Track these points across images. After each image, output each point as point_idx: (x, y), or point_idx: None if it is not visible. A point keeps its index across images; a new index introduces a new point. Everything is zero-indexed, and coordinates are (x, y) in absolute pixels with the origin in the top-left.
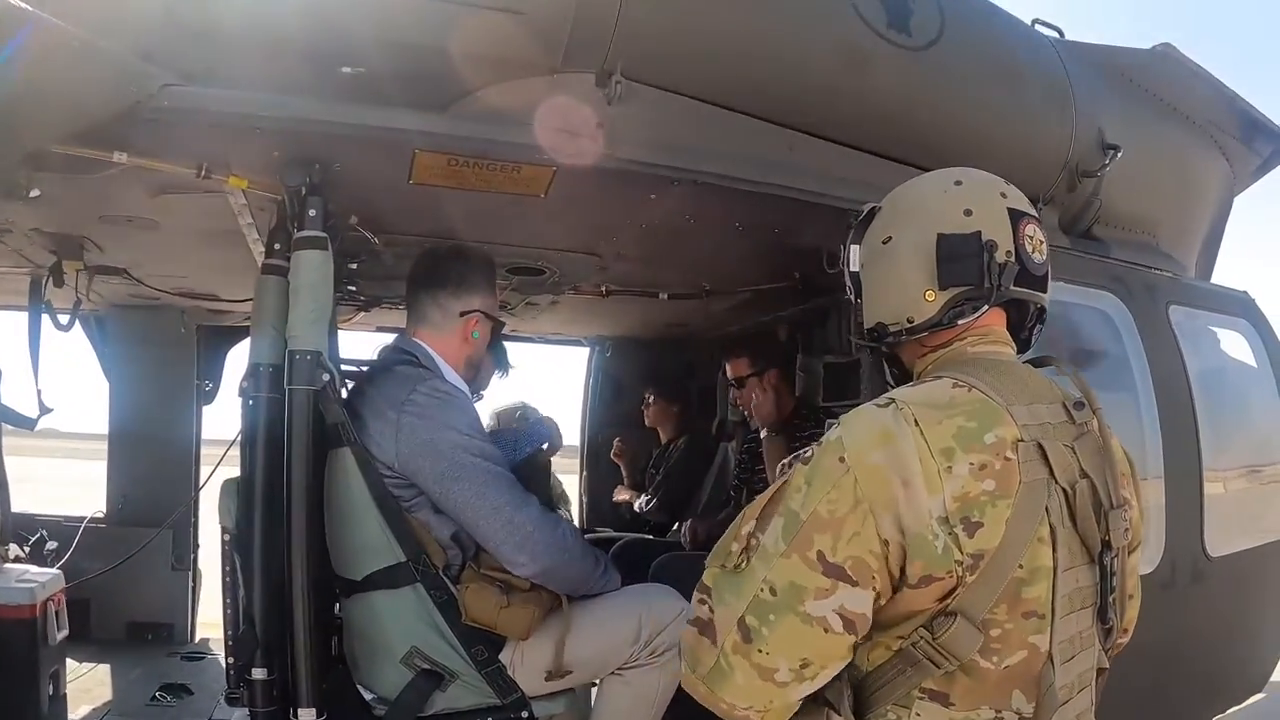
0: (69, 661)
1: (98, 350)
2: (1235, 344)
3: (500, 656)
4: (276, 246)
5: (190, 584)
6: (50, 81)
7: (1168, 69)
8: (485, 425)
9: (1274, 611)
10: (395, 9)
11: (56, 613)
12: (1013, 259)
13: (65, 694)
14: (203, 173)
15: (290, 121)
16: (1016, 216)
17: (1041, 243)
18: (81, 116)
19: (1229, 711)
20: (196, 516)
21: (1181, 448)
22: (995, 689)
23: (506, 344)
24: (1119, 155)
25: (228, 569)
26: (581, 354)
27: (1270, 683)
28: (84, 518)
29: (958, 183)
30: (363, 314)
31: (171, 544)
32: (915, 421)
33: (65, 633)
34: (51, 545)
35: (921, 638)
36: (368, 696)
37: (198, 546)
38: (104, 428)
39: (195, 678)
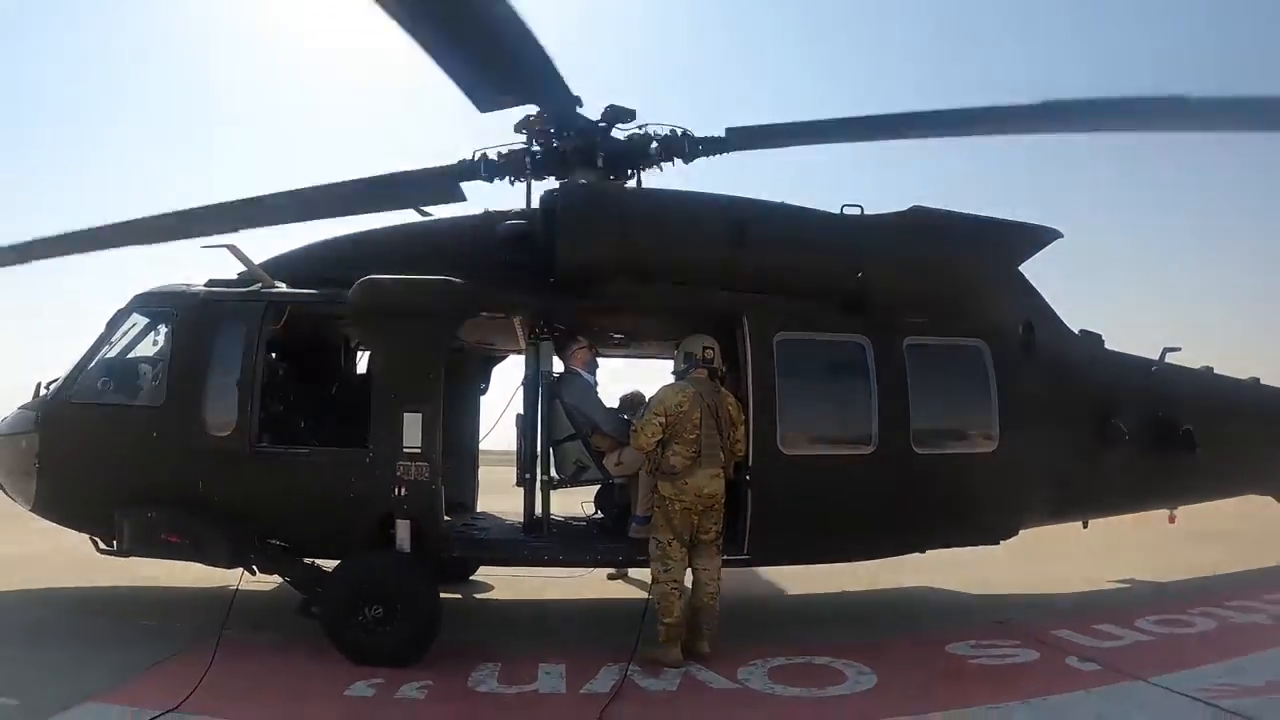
0: None
1: None
2: (973, 355)
3: None
4: (529, 337)
5: (474, 485)
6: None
7: (916, 218)
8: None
9: (972, 495)
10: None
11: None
12: (699, 357)
13: None
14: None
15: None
16: (706, 345)
17: (712, 352)
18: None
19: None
20: (476, 456)
21: (896, 404)
22: (690, 444)
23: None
24: (861, 275)
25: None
26: None
27: None
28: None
29: (699, 337)
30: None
31: (470, 466)
32: (676, 389)
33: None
34: None
35: (673, 434)
36: None
37: (477, 462)
38: None
39: (484, 521)
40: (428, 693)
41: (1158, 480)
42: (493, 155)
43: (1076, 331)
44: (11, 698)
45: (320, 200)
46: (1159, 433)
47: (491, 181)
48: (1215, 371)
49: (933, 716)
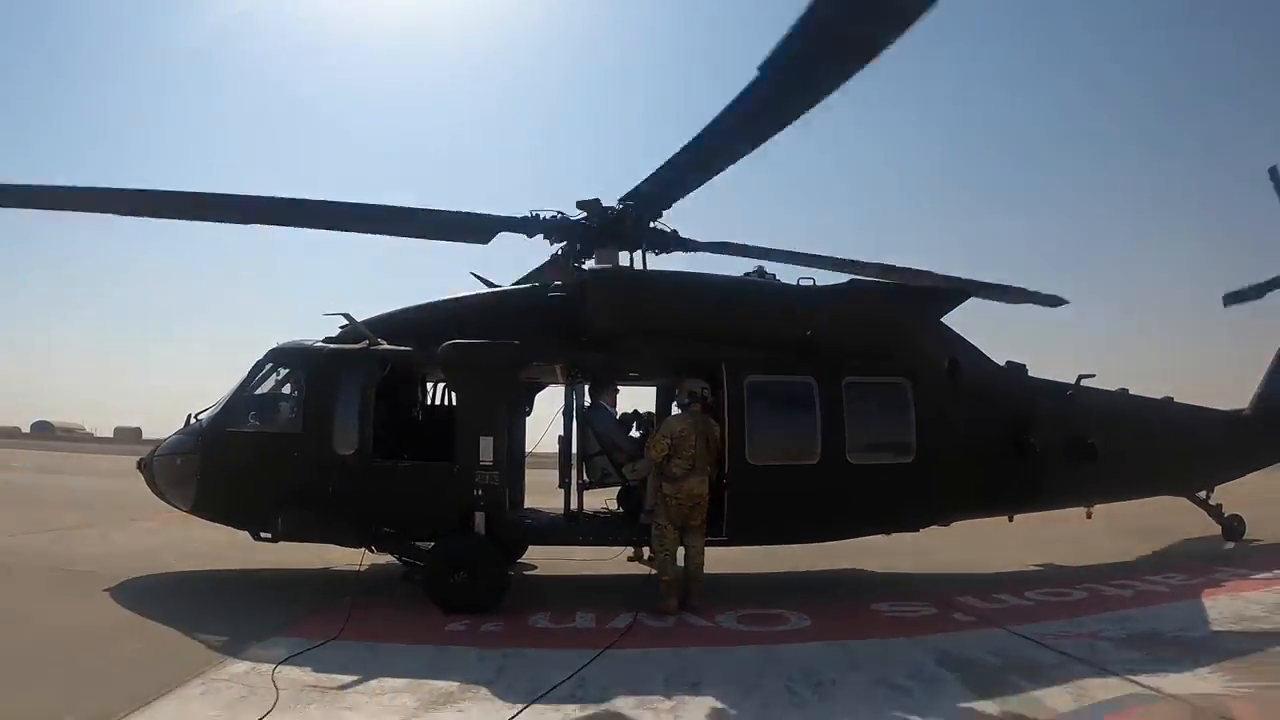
0: None
1: None
2: (897, 389)
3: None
4: (567, 378)
5: (522, 487)
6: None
7: (854, 288)
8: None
9: (893, 495)
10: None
11: None
12: (697, 395)
13: None
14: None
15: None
16: (704, 387)
17: (706, 391)
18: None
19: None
20: (524, 464)
21: (835, 427)
22: (687, 458)
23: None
24: (809, 332)
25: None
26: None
27: None
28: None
29: (696, 380)
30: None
31: (519, 472)
32: (680, 418)
33: None
34: None
35: (675, 450)
36: None
37: (524, 469)
38: None
39: (533, 514)
40: (501, 626)
41: (1065, 484)
42: (546, 216)
43: (1003, 363)
44: (219, 634)
45: (403, 220)
46: (1066, 444)
47: (551, 241)
48: (1130, 392)
49: (840, 641)
